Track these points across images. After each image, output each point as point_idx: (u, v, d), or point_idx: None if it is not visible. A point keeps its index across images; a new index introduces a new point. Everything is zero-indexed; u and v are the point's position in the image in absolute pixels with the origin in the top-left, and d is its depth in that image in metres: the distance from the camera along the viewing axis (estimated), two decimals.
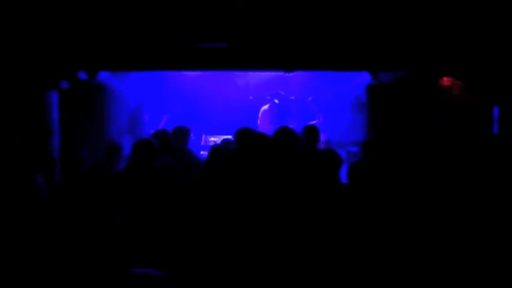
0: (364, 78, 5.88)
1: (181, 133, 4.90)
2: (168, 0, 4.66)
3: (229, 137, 4.88)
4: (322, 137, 6.81)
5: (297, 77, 7.84)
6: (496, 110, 5.15)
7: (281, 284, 3.24)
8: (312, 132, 4.70)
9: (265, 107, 7.85)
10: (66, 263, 3.14)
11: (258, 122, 7.84)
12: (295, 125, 6.38)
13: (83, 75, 5.23)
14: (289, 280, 3.25)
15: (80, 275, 2.82)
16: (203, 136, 7.14)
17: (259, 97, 8.11)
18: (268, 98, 7.99)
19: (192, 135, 5.34)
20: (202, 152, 6.09)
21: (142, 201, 3.72)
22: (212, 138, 6.85)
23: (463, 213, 3.66)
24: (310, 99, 7.94)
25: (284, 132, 4.21)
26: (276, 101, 8.07)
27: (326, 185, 3.66)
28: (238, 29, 4.75)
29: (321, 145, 5.62)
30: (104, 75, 5.64)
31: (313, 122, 7.08)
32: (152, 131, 5.09)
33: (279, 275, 3.25)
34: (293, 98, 8.32)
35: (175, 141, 4.74)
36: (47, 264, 3.16)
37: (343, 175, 4.76)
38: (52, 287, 2.90)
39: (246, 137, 4.08)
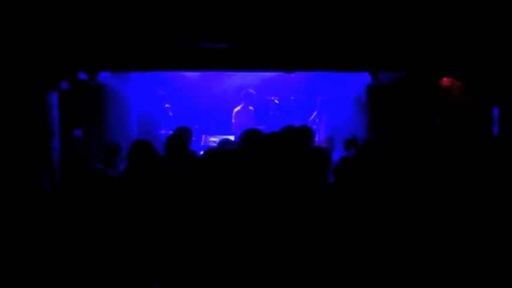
0: (364, 78, 5.89)
1: (183, 134, 4.89)
2: (169, 1, 4.66)
3: (229, 137, 4.89)
4: (323, 135, 6.78)
5: (297, 77, 7.83)
6: (496, 111, 5.15)
7: (276, 282, 3.25)
8: (305, 132, 4.66)
9: (238, 108, 7.70)
10: (68, 262, 3.15)
11: (233, 123, 7.65)
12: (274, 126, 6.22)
13: (83, 75, 5.23)
14: (284, 278, 3.25)
15: (82, 273, 2.83)
16: (203, 136, 7.12)
17: (259, 98, 8.08)
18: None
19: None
20: (202, 152, 6.07)
21: (142, 202, 3.73)
22: (212, 139, 6.82)
23: (463, 213, 3.67)
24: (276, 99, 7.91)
25: (288, 132, 4.20)
26: (276, 101, 8.05)
27: (316, 184, 3.65)
28: (239, 29, 4.75)
29: (323, 143, 5.60)
30: (104, 76, 5.64)
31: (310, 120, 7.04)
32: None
33: (272, 273, 3.25)
34: (293, 98, 8.30)
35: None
36: (50, 264, 3.16)
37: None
38: (54, 286, 2.91)
39: (248, 137, 4.08)
